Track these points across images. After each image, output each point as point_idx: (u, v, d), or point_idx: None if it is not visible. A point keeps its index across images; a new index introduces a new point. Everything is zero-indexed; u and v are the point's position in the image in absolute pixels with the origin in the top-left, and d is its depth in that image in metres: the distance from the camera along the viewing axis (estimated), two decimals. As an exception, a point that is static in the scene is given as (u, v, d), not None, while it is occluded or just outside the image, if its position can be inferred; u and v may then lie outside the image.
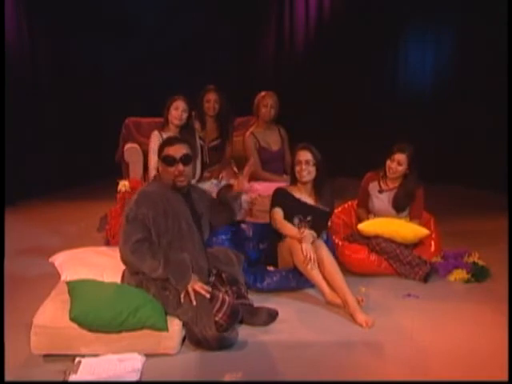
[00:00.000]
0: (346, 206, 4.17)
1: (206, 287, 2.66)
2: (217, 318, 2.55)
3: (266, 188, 3.96)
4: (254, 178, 4.33)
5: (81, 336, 2.53)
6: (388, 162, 3.80)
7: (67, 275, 3.03)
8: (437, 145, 6.10)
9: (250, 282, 3.26)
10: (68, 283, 2.76)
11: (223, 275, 2.96)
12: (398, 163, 3.76)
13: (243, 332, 2.82)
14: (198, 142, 4.22)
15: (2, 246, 3.59)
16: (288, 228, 3.36)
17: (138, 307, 2.56)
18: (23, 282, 3.49)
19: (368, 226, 3.74)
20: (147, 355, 2.53)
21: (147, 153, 4.10)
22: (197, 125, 4.32)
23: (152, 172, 3.98)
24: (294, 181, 3.54)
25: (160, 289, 2.69)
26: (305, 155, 3.43)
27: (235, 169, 4.57)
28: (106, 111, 6.33)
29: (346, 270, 3.47)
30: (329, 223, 3.75)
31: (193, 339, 2.66)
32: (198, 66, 6.53)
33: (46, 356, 2.55)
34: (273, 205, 3.48)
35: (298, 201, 3.49)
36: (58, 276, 3.10)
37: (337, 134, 6.15)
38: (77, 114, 6.19)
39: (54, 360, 2.53)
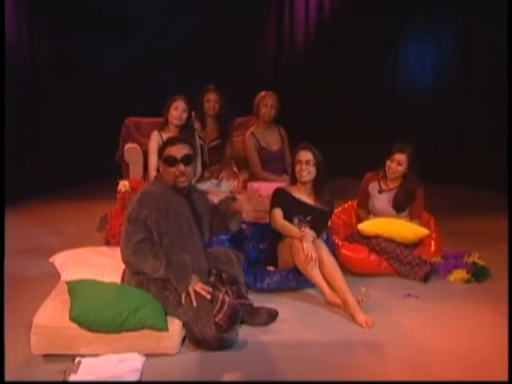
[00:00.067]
0: (346, 206, 4.17)
1: (206, 288, 2.66)
2: (217, 319, 2.55)
3: (266, 188, 3.96)
4: (254, 178, 4.35)
5: (81, 336, 2.53)
6: (388, 162, 3.80)
7: (67, 275, 3.03)
8: (437, 145, 6.10)
9: (249, 282, 3.26)
10: (68, 283, 2.76)
11: (223, 275, 2.96)
12: (397, 163, 3.76)
13: (243, 332, 2.82)
14: (198, 141, 4.23)
15: (2, 245, 3.59)
16: (288, 228, 3.36)
17: (138, 307, 2.56)
18: (23, 282, 3.49)
19: (368, 226, 3.74)
20: (147, 355, 2.53)
21: (147, 153, 4.11)
22: (197, 125, 4.32)
23: (152, 172, 3.99)
24: (294, 181, 3.55)
25: (160, 289, 2.69)
26: (305, 155, 3.43)
27: (235, 169, 4.58)
28: (106, 111, 6.33)
29: (346, 270, 3.47)
30: (329, 223, 3.75)
31: (193, 339, 2.66)
32: (197, 66, 6.53)
33: (46, 356, 2.55)
34: (272, 205, 3.48)
35: (298, 201, 3.49)
36: (58, 276, 3.10)
37: (337, 133, 6.15)
38: (77, 113, 6.19)
39: (53, 360, 2.53)
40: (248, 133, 4.38)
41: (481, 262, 3.66)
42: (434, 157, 5.97)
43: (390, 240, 3.61)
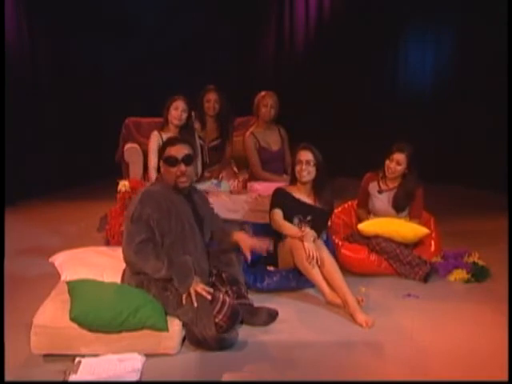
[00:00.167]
0: (346, 206, 4.17)
1: (207, 289, 2.66)
2: (217, 320, 2.55)
3: (265, 188, 3.96)
4: (254, 178, 4.35)
5: (81, 336, 2.53)
6: (387, 162, 3.80)
7: (67, 275, 3.03)
8: (437, 145, 6.10)
9: (249, 282, 3.26)
10: (68, 283, 2.76)
11: (223, 275, 2.96)
12: (397, 163, 3.76)
13: (243, 332, 2.82)
14: (198, 141, 4.23)
15: (2, 245, 3.58)
16: (288, 228, 3.36)
17: (138, 307, 2.56)
18: (23, 282, 3.49)
19: (368, 226, 3.74)
20: (147, 355, 2.53)
21: (147, 153, 4.11)
22: (197, 125, 4.32)
23: (152, 172, 3.99)
24: (294, 180, 3.54)
25: (160, 289, 2.69)
26: (306, 155, 3.43)
27: (235, 169, 4.58)
28: (106, 111, 6.33)
29: (346, 270, 3.47)
30: (329, 223, 3.75)
31: (193, 340, 2.66)
32: (197, 66, 6.53)
33: (46, 356, 2.55)
34: (272, 205, 3.48)
35: (298, 201, 3.49)
36: (58, 276, 3.10)
37: (337, 133, 6.15)
38: (77, 113, 6.19)
39: (54, 360, 2.53)
40: (248, 133, 4.38)
41: (481, 262, 3.66)
42: (434, 157, 5.97)
43: (390, 240, 3.61)
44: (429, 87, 6.31)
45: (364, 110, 6.30)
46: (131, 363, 2.44)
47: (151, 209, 2.70)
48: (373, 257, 3.60)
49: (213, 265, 2.96)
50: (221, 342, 2.63)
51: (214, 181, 4.23)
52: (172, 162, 2.80)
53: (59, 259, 3.26)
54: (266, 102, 4.32)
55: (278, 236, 3.44)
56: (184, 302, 2.62)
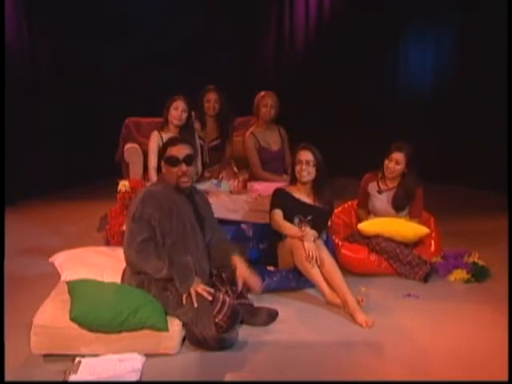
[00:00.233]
0: (346, 206, 4.17)
1: (208, 289, 2.65)
2: (217, 320, 2.55)
3: (265, 188, 3.95)
4: (254, 178, 4.34)
5: (81, 336, 2.53)
6: (386, 162, 3.80)
7: (67, 275, 3.03)
8: (437, 145, 6.10)
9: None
10: (68, 283, 2.76)
11: (223, 275, 2.95)
12: (395, 162, 3.76)
13: (243, 332, 2.82)
14: (198, 141, 4.23)
15: (2, 245, 3.59)
16: (288, 228, 3.36)
17: (138, 307, 2.56)
18: (23, 282, 3.49)
19: (368, 226, 3.74)
20: (147, 355, 2.53)
21: (147, 153, 4.10)
22: (197, 125, 4.32)
23: (151, 172, 3.99)
24: (294, 180, 3.54)
25: (161, 289, 2.69)
26: (306, 155, 3.43)
27: (235, 169, 4.57)
28: (106, 111, 6.33)
29: (346, 270, 3.47)
30: (329, 223, 3.75)
31: (193, 340, 2.66)
32: (197, 66, 6.54)
33: (46, 356, 2.55)
34: (272, 205, 3.48)
35: (298, 201, 3.49)
36: (58, 276, 3.10)
37: (337, 133, 6.15)
38: (77, 113, 6.19)
39: (54, 360, 2.53)
40: (248, 133, 4.38)
41: (481, 262, 3.66)
42: (434, 157, 5.98)
43: (390, 240, 3.61)
44: (429, 87, 6.31)
45: (364, 110, 6.30)
46: (131, 363, 2.44)
47: (152, 208, 2.70)
48: (373, 257, 3.60)
49: (213, 265, 2.96)
50: (221, 342, 2.63)
51: (214, 181, 4.22)
52: (173, 162, 2.80)
53: (59, 259, 3.26)
54: (266, 102, 4.32)
55: (278, 236, 3.43)
56: (184, 302, 2.62)
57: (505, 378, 2.26)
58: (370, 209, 3.96)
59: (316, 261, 3.12)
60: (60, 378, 2.38)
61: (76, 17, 6.08)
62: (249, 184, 4.26)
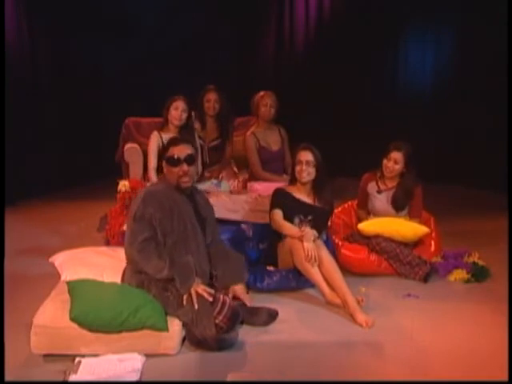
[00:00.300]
0: (346, 206, 4.17)
1: (208, 290, 2.65)
2: (217, 321, 2.55)
3: (265, 188, 3.95)
4: (254, 178, 4.34)
5: (81, 336, 2.53)
6: (384, 161, 3.80)
7: (67, 275, 3.03)
8: (437, 145, 6.10)
9: (250, 282, 3.25)
10: (68, 283, 2.76)
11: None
12: (394, 162, 3.76)
13: (243, 332, 2.82)
14: (198, 141, 4.22)
15: (2, 245, 3.59)
16: (288, 228, 3.36)
17: (138, 307, 2.56)
18: (23, 282, 3.49)
19: (368, 226, 3.74)
20: (147, 355, 2.53)
21: (147, 153, 4.10)
22: (197, 125, 4.32)
23: (151, 173, 3.99)
24: (294, 180, 3.54)
25: (161, 289, 2.69)
26: (306, 155, 3.42)
27: (235, 169, 4.58)
28: (106, 111, 6.34)
29: (346, 270, 3.47)
30: (329, 223, 3.75)
31: (193, 340, 2.66)
32: (197, 66, 6.54)
33: (46, 356, 2.55)
34: (272, 206, 3.48)
35: (298, 201, 3.49)
36: (58, 276, 3.10)
37: (337, 133, 6.15)
38: (77, 113, 6.19)
39: (54, 360, 2.53)
40: (249, 132, 4.38)
41: (481, 262, 3.66)
42: (434, 157, 5.98)
43: (390, 240, 3.61)
44: (429, 87, 6.31)
45: (364, 110, 6.30)
46: (131, 363, 2.44)
47: (153, 208, 2.71)
48: (373, 257, 3.60)
49: (213, 266, 2.96)
50: (221, 343, 2.63)
51: (214, 181, 4.22)
52: (174, 161, 2.81)
53: (59, 259, 3.25)
54: (265, 102, 4.32)
55: (278, 236, 3.43)
56: (185, 302, 2.61)
57: (505, 378, 2.26)
58: (369, 209, 3.96)
59: (314, 261, 3.12)
60: (60, 378, 2.38)
61: (76, 17, 6.08)
62: (249, 184, 4.26)
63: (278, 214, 3.42)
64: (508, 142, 4.33)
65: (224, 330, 2.57)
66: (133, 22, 6.37)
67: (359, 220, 4.00)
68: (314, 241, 3.21)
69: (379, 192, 3.89)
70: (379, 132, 5.75)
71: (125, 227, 3.53)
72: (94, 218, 4.41)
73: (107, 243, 3.77)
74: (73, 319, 2.52)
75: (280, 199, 3.47)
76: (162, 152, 2.92)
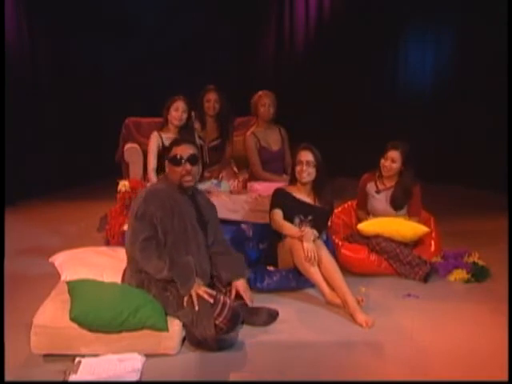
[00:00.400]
0: (346, 206, 4.17)
1: (209, 291, 2.65)
2: (217, 322, 2.55)
3: (265, 188, 3.95)
4: (254, 178, 4.34)
5: (81, 336, 2.53)
6: (382, 161, 3.80)
7: (67, 275, 3.03)
8: (437, 145, 6.10)
9: (250, 282, 3.24)
10: (68, 283, 2.76)
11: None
12: (391, 160, 3.76)
13: (243, 332, 2.81)
14: (198, 141, 4.22)
15: (2, 245, 3.59)
16: (288, 228, 3.36)
17: (138, 307, 2.56)
18: (23, 282, 3.49)
19: (368, 226, 3.74)
20: (147, 355, 2.53)
21: (147, 153, 4.10)
22: (197, 125, 4.32)
23: (151, 173, 3.99)
24: (294, 180, 3.54)
25: (161, 289, 2.69)
26: (306, 155, 3.42)
27: (235, 169, 4.58)
28: (106, 111, 6.34)
29: (346, 270, 3.47)
30: (329, 223, 3.75)
31: (193, 340, 2.66)
32: (197, 66, 6.54)
33: (46, 356, 2.55)
34: (272, 206, 3.48)
35: (298, 201, 3.49)
36: (58, 276, 3.10)
37: (337, 133, 6.15)
38: (77, 113, 6.19)
39: (54, 360, 2.53)
40: (249, 132, 4.38)
41: (481, 262, 3.66)
42: (434, 157, 5.98)
43: (390, 240, 3.61)
44: (429, 87, 6.31)
45: (364, 110, 6.30)
46: (131, 363, 2.44)
47: (155, 207, 2.71)
48: (373, 257, 3.60)
49: (214, 264, 2.96)
50: (220, 343, 2.63)
51: (214, 181, 4.22)
52: (177, 161, 2.82)
53: (59, 259, 3.26)
54: (264, 102, 4.32)
55: (278, 236, 3.43)
56: (185, 304, 2.61)
57: (505, 378, 2.26)
58: (369, 209, 3.96)
59: (314, 260, 3.12)
60: (60, 378, 2.38)
61: (76, 17, 6.08)
62: (249, 184, 4.26)
63: (278, 214, 3.42)
64: (508, 141, 4.33)
65: (224, 330, 2.57)
66: (133, 22, 6.37)
67: (359, 220, 4.00)
68: (313, 241, 3.21)
69: (378, 192, 3.89)
70: (379, 132, 5.74)
71: (125, 227, 3.54)
72: (94, 218, 4.41)
73: (107, 243, 3.77)
74: (73, 319, 2.52)
75: (280, 199, 3.47)
76: (165, 152, 2.93)
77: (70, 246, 3.60)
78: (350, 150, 6.05)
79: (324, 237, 3.54)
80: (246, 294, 2.87)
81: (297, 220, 3.44)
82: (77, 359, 2.46)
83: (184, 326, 2.65)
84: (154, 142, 4.02)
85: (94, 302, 2.59)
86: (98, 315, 2.52)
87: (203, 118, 4.34)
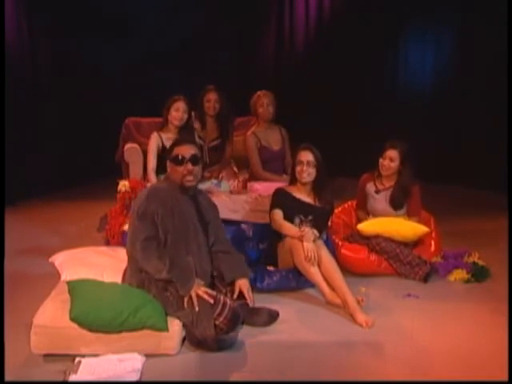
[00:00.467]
0: (346, 206, 4.17)
1: (209, 291, 2.65)
2: (217, 322, 2.55)
3: (266, 188, 3.95)
4: (254, 177, 4.34)
5: (81, 336, 2.53)
6: (380, 160, 3.80)
7: (67, 275, 3.03)
8: (437, 145, 6.11)
9: (250, 282, 3.25)
10: (68, 283, 2.76)
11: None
12: (390, 159, 3.76)
13: (243, 332, 2.81)
14: (198, 141, 4.22)
15: (2, 245, 3.59)
16: (288, 228, 3.36)
17: (138, 307, 2.56)
18: (23, 282, 3.49)
19: (368, 226, 3.74)
20: (147, 355, 2.53)
21: (147, 153, 4.10)
22: (197, 125, 4.32)
23: (150, 174, 3.98)
24: (294, 180, 3.54)
25: (161, 289, 2.69)
26: (306, 156, 3.42)
27: (235, 169, 4.58)
28: (106, 111, 6.34)
29: (346, 270, 3.47)
30: (329, 223, 3.75)
31: (193, 340, 2.66)
32: (197, 66, 6.54)
33: (46, 356, 2.55)
34: (272, 206, 3.48)
35: (299, 201, 3.49)
36: (58, 276, 3.10)
37: (337, 133, 6.16)
38: (77, 113, 6.20)
39: (54, 360, 2.53)
40: (249, 132, 4.38)
41: (481, 262, 3.66)
42: (434, 157, 5.98)
43: (390, 239, 3.61)
44: (429, 87, 6.31)
45: (364, 110, 6.31)
46: (131, 363, 2.44)
47: (156, 205, 2.72)
48: (373, 257, 3.60)
49: (215, 264, 2.96)
50: (220, 343, 2.63)
51: (214, 181, 4.22)
52: (179, 160, 2.83)
53: (59, 259, 3.26)
54: (262, 102, 4.31)
55: (278, 236, 3.43)
56: (185, 305, 2.61)
57: (505, 378, 2.26)
58: (368, 209, 3.96)
59: (314, 260, 3.12)
60: (60, 378, 2.38)
61: (76, 17, 6.09)
62: (249, 184, 4.26)
63: (278, 214, 3.42)
64: (508, 141, 4.33)
65: (224, 331, 2.57)
66: (133, 22, 6.38)
67: (359, 220, 4.00)
68: (314, 241, 3.21)
69: (377, 192, 3.89)
70: (379, 132, 5.71)
71: (125, 227, 3.55)
72: (94, 218, 4.41)
73: (107, 243, 3.77)
74: (73, 319, 2.52)
75: (280, 199, 3.47)
76: (166, 152, 2.94)
77: (69, 245, 3.60)
78: (350, 150, 6.05)
79: (324, 237, 3.54)
80: (249, 294, 2.87)
81: (297, 220, 3.44)
82: (77, 359, 2.46)
83: (184, 326, 2.65)
84: (154, 143, 4.02)
85: (94, 301, 2.59)
86: (98, 315, 2.52)
87: (203, 117, 4.34)
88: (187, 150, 2.86)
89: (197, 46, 6.60)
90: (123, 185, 3.82)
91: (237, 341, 2.72)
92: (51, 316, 2.58)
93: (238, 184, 4.34)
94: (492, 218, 4.87)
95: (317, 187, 3.51)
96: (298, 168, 3.45)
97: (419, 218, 3.86)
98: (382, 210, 3.85)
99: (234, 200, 3.83)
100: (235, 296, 2.83)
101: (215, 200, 3.45)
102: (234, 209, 3.73)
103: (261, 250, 3.61)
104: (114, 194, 3.87)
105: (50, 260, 3.29)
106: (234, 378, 2.46)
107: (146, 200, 2.75)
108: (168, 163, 2.93)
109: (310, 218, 3.44)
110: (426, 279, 3.51)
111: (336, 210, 3.94)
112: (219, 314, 2.56)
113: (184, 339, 2.68)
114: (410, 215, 3.84)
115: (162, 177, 3.62)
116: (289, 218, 3.42)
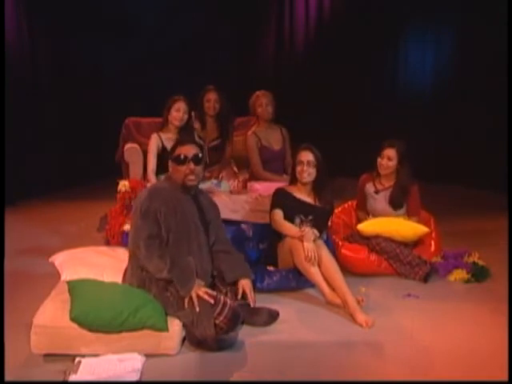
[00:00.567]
0: (346, 205, 4.17)
1: (210, 292, 2.65)
2: (217, 321, 2.55)
3: (266, 188, 3.95)
4: (254, 177, 4.34)
5: (81, 336, 2.53)
6: (379, 159, 3.80)
7: (67, 275, 3.03)
8: (437, 145, 6.11)
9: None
10: (68, 283, 2.76)
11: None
12: (388, 158, 3.76)
13: (243, 332, 2.81)
14: (198, 141, 4.22)
15: (2, 245, 3.59)
16: (288, 228, 3.36)
17: (138, 307, 2.56)
18: (23, 282, 3.49)
19: (368, 226, 3.74)
20: (147, 355, 2.53)
21: (147, 153, 4.10)
22: (197, 125, 4.32)
23: (150, 174, 3.98)
24: (294, 180, 3.54)
25: (161, 289, 2.69)
26: (306, 156, 3.42)
27: (235, 169, 4.57)
28: (106, 111, 6.34)
29: (346, 270, 3.46)
30: (329, 223, 3.75)
31: (193, 340, 2.66)
32: (197, 66, 6.54)
33: (46, 356, 2.55)
34: (273, 206, 3.48)
35: (299, 200, 3.49)
36: (58, 276, 3.10)
37: (337, 133, 6.15)
38: (77, 113, 6.20)
39: (54, 360, 2.53)
40: (250, 132, 4.38)
41: (481, 262, 3.66)
42: (434, 157, 5.99)
43: (390, 239, 3.61)
44: (429, 87, 6.31)
45: (364, 110, 6.31)
46: (131, 363, 2.43)
47: (159, 203, 2.74)
48: (373, 257, 3.60)
49: (216, 264, 2.96)
50: (220, 343, 2.63)
51: (214, 181, 4.22)
52: (181, 160, 2.84)
53: (59, 259, 3.26)
54: (261, 102, 4.31)
55: (278, 236, 3.43)
56: (186, 305, 2.61)
57: (505, 378, 2.26)
58: (368, 209, 3.96)
59: (314, 260, 3.12)
60: (60, 378, 2.38)
61: (76, 17, 6.09)
62: (249, 184, 4.26)
63: (279, 213, 3.42)
64: (508, 141, 4.33)
65: (224, 330, 2.57)
66: (133, 22, 6.38)
67: (359, 221, 3.99)
68: (314, 241, 3.21)
69: (377, 192, 3.89)
70: (379, 132, 5.70)
71: (125, 227, 3.55)
72: (94, 218, 4.41)
73: (107, 243, 3.77)
74: (73, 319, 2.52)
75: (280, 199, 3.47)
76: (167, 153, 2.95)
77: (69, 245, 3.60)
78: (350, 150, 6.05)
79: (324, 237, 3.54)
80: (251, 294, 2.88)
81: (297, 220, 3.44)
82: (77, 359, 2.46)
83: (184, 326, 2.66)
84: (154, 143, 4.02)
85: (94, 301, 2.59)
86: (98, 315, 2.52)
87: (203, 117, 4.34)
88: (189, 150, 2.87)
89: (197, 46, 6.60)
90: (123, 185, 3.82)
91: (237, 341, 2.72)
92: (51, 316, 2.58)
93: (238, 184, 4.34)
94: (492, 218, 4.86)
95: (317, 187, 3.51)
96: (299, 168, 3.45)
97: (419, 217, 3.86)
98: (381, 210, 3.85)
99: (234, 200, 3.83)
100: (239, 296, 2.84)
101: (215, 200, 3.46)
102: (234, 209, 3.73)
103: (261, 250, 3.61)
104: (114, 194, 3.87)
105: (50, 260, 3.29)
106: (234, 378, 2.46)
107: (148, 198, 2.76)
108: (170, 163, 2.93)
109: (311, 217, 3.44)
110: (426, 279, 3.51)
111: (336, 210, 3.93)
112: (219, 314, 2.56)
113: (184, 339, 2.68)
114: (409, 215, 3.84)
115: (162, 177, 3.62)
116: (289, 217, 3.42)
